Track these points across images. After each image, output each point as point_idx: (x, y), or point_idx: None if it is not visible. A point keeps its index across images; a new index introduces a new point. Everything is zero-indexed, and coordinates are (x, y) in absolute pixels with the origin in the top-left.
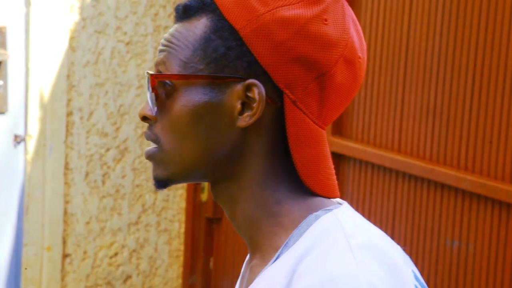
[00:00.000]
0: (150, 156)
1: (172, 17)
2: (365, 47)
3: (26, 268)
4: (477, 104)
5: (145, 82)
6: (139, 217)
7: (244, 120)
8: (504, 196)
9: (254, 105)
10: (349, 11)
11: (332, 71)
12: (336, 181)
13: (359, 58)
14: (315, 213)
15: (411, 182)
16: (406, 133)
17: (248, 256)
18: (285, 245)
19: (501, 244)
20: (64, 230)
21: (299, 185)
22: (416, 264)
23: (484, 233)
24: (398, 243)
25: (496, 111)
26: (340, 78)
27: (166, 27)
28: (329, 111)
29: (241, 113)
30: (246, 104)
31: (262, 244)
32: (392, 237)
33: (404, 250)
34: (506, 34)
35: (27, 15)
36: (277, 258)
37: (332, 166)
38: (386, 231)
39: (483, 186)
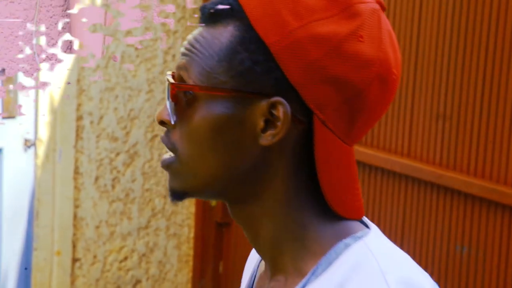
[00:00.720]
0: (167, 166)
1: (182, 22)
2: (399, 62)
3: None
4: (487, 109)
5: (155, 86)
6: (148, 222)
7: (267, 138)
8: None
9: (278, 123)
10: (385, 23)
11: (366, 92)
12: (362, 200)
13: (394, 74)
14: (344, 241)
15: (421, 187)
16: (415, 138)
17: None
18: (313, 272)
19: (511, 249)
20: (74, 234)
21: (324, 207)
22: (425, 269)
23: (494, 239)
24: (408, 248)
25: (506, 116)
26: (373, 97)
27: (175, 32)
28: (359, 129)
29: (263, 130)
30: (270, 122)
31: (286, 267)
32: (402, 243)
33: (429, 274)
34: None
35: (36, 18)
36: (304, 286)
37: (359, 185)
38: (395, 236)
39: (493, 192)
